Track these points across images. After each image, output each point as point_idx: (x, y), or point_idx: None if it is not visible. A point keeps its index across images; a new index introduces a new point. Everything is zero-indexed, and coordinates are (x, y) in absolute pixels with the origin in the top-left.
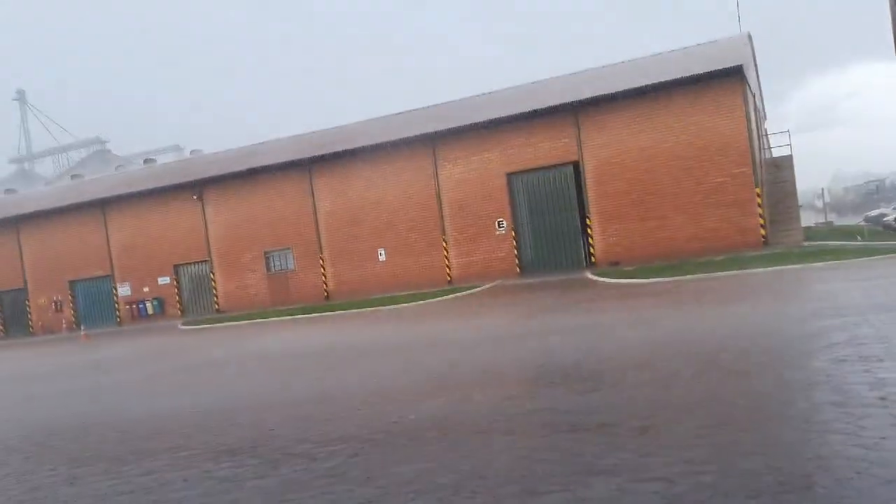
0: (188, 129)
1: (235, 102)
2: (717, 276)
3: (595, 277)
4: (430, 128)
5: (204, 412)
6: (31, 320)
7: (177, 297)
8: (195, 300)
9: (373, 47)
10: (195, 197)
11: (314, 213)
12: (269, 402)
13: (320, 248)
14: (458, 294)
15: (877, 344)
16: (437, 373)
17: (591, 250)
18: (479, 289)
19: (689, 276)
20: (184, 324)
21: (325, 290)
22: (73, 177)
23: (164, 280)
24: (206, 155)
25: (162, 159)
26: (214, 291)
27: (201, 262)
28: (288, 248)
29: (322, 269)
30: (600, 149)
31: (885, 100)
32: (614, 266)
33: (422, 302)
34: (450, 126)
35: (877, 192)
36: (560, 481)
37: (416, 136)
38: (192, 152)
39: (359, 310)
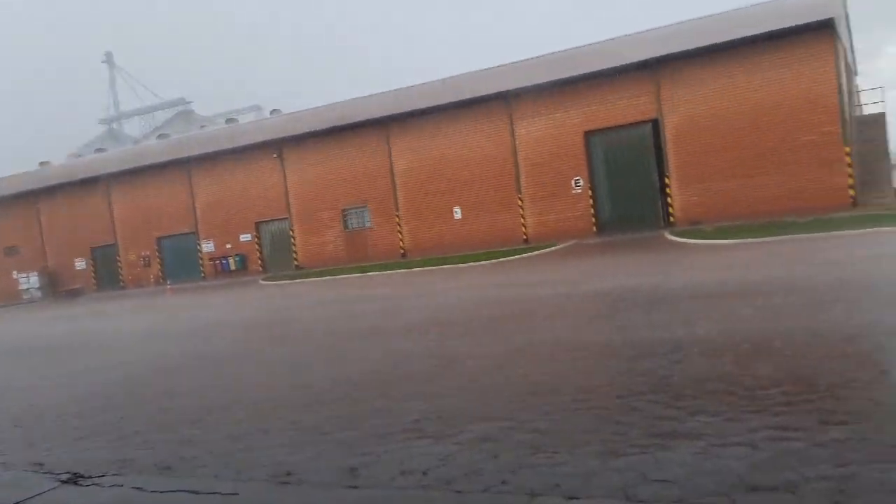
0: (269, 88)
1: (314, 64)
2: (805, 238)
3: (673, 238)
4: (507, 85)
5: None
6: (121, 274)
7: (258, 254)
8: (275, 257)
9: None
10: (275, 155)
11: (391, 171)
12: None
13: (396, 205)
14: (534, 252)
15: None
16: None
17: (671, 210)
18: (554, 248)
19: (773, 238)
20: (265, 279)
21: (402, 248)
22: (159, 136)
23: (245, 237)
24: (286, 114)
25: (243, 119)
26: (294, 248)
27: (281, 219)
28: (365, 206)
29: (398, 227)
30: (681, 106)
31: None
32: (695, 226)
33: (499, 260)
34: (526, 84)
35: None
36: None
37: (492, 94)
38: (272, 112)
39: (460, 264)
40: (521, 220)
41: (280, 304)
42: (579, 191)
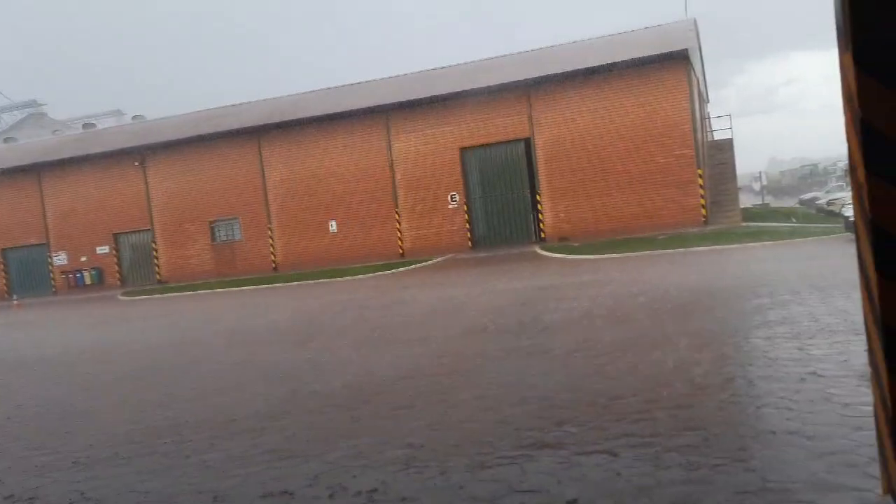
0: (130, 94)
1: (180, 69)
2: (661, 254)
3: (543, 252)
4: (385, 100)
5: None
6: None
7: (116, 267)
8: (136, 270)
9: (323, 18)
10: (137, 163)
11: (263, 183)
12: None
13: (269, 218)
14: (409, 267)
15: (808, 321)
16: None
17: (542, 225)
18: (430, 262)
19: (634, 253)
20: (123, 294)
21: (274, 262)
22: (5, 140)
23: (102, 249)
24: (150, 121)
25: (102, 124)
26: (156, 261)
27: (143, 230)
28: (235, 218)
29: (270, 240)
30: (551, 126)
31: (820, 88)
32: (563, 241)
33: (373, 274)
34: (404, 99)
35: (811, 176)
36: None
37: (369, 108)
38: (134, 118)
39: (315, 280)
40: (398, 234)
41: (128, 321)
42: (455, 206)
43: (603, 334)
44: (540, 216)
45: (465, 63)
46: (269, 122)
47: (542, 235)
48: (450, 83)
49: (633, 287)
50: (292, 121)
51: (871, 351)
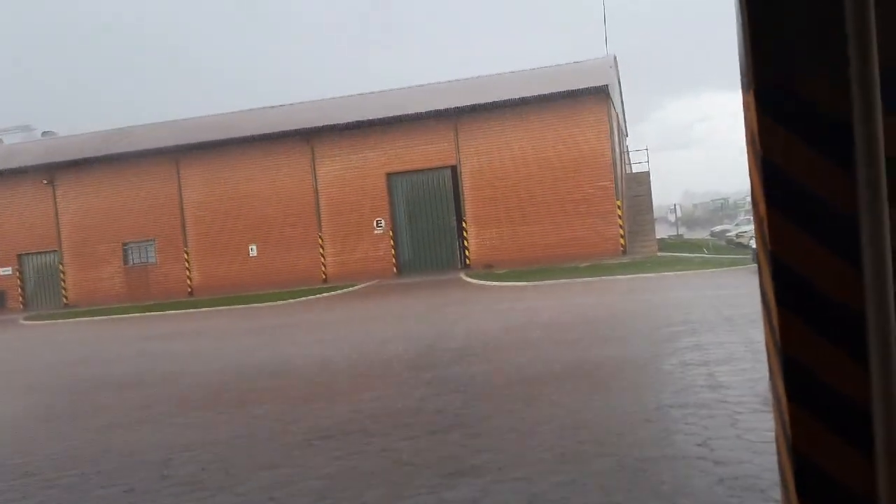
0: (41, 108)
1: (95, 85)
2: (582, 282)
3: (468, 279)
4: (309, 123)
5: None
6: None
7: (19, 290)
8: (40, 293)
9: (248, 36)
10: (45, 182)
11: (181, 204)
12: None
13: (185, 241)
14: (331, 293)
15: (717, 349)
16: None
17: (467, 252)
18: (353, 288)
19: (556, 281)
20: (27, 318)
21: (190, 286)
22: None
23: (5, 271)
24: (61, 137)
25: (10, 140)
26: (63, 284)
27: (49, 251)
28: (150, 240)
29: (187, 264)
30: (477, 155)
31: (731, 125)
32: (488, 269)
33: (290, 301)
34: (330, 122)
35: (721, 209)
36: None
37: (294, 130)
38: (44, 134)
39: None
40: (322, 259)
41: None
42: (381, 231)
43: (521, 360)
44: (465, 243)
45: (392, 89)
46: (189, 141)
47: (468, 262)
48: (377, 108)
49: (554, 314)
50: (213, 141)
51: (772, 378)
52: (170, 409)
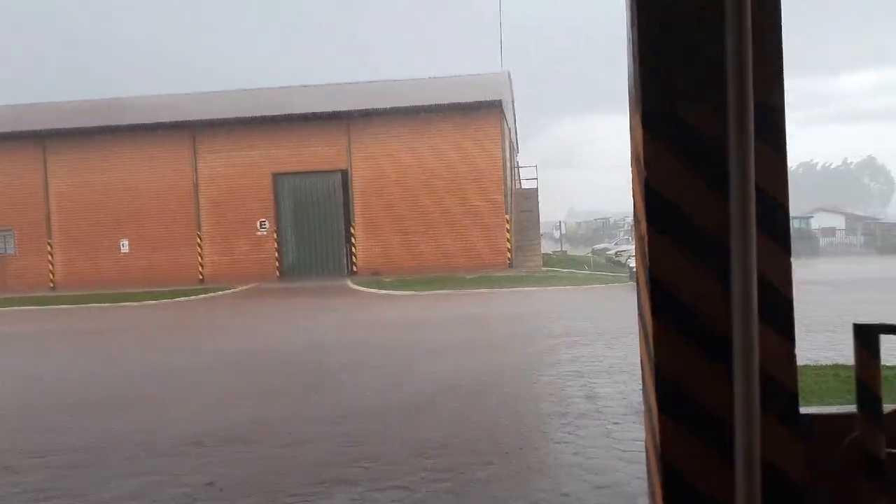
0: None
1: None
2: (468, 293)
3: (353, 286)
4: (191, 116)
5: None
6: None
7: None
8: None
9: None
10: None
11: (45, 193)
12: None
13: (49, 232)
14: (203, 295)
15: (594, 361)
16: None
17: (354, 259)
18: (230, 291)
19: (443, 291)
20: None
21: (52, 281)
22: None
23: None
24: None
25: None
26: None
27: None
28: (8, 230)
29: (50, 257)
30: (369, 160)
31: (615, 148)
32: (375, 276)
33: (154, 302)
34: (214, 117)
35: (603, 228)
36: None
37: (173, 122)
38: None
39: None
40: (199, 259)
41: None
42: (265, 233)
43: (405, 371)
44: (353, 249)
45: (284, 87)
46: (58, 126)
47: (355, 269)
48: (267, 105)
49: (437, 325)
50: (86, 128)
51: (645, 390)
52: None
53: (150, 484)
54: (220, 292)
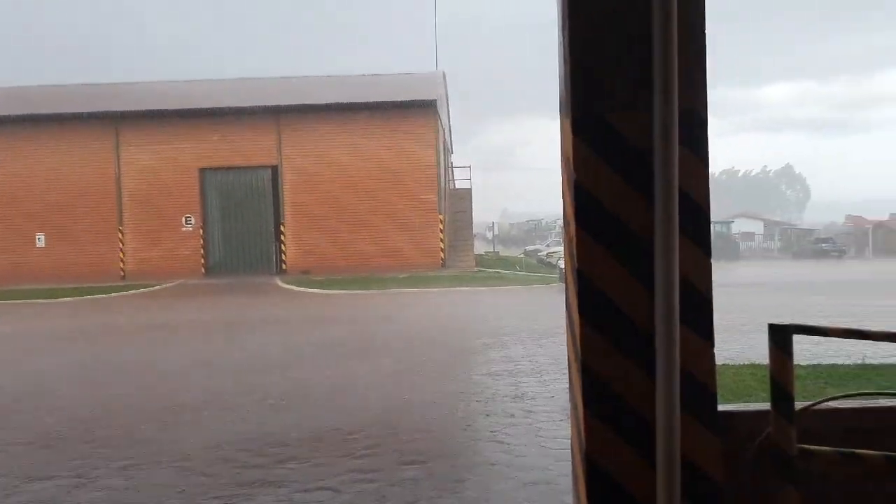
0: None
1: None
2: (399, 292)
3: (281, 284)
4: (113, 106)
5: None
6: None
7: None
8: None
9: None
10: None
11: None
12: None
13: None
14: (124, 292)
15: (525, 361)
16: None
17: (284, 257)
18: (152, 288)
19: (374, 291)
20: None
21: None
22: None
23: None
24: None
25: None
26: None
27: None
28: None
29: None
30: (300, 157)
31: (549, 150)
32: (305, 275)
33: (68, 300)
34: (138, 108)
35: (535, 230)
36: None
37: (94, 113)
38: None
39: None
40: (121, 254)
41: None
42: (190, 229)
43: (328, 370)
44: (283, 247)
45: (213, 79)
46: None
47: (284, 267)
48: (195, 97)
49: (368, 324)
50: (1, 116)
51: (571, 387)
52: None
53: None
54: (138, 290)
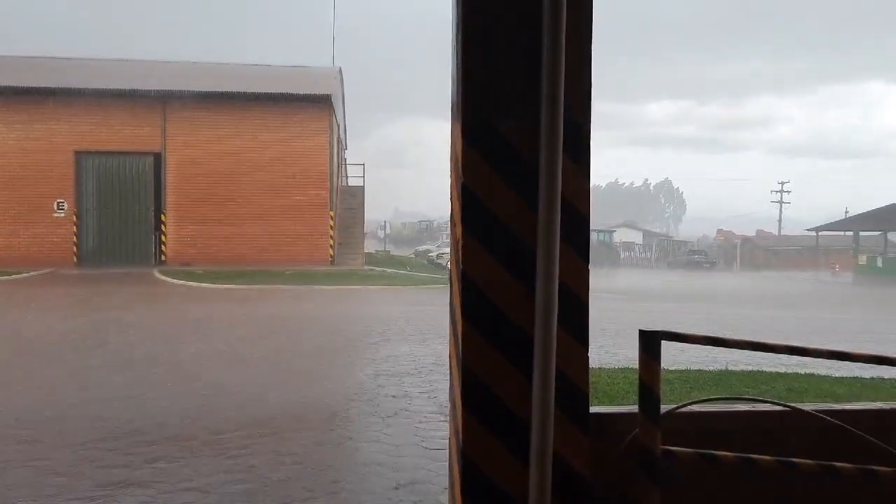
0: None
1: None
2: (285, 289)
3: (158, 276)
4: None
5: None
6: None
7: None
8: None
9: None
10: None
11: None
12: None
13: None
14: None
15: (408, 360)
16: None
17: (164, 248)
18: (13, 277)
19: (258, 286)
20: None
21: None
22: None
23: None
24: None
25: None
26: None
27: None
28: None
29: None
30: (186, 145)
31: (443, 151)
32: (185, 267)
33: None
34: (11, 84)
35: (427, 230)
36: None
37: None
38: None
39: None
40: None
41: None
42: (62, 215)
43: (208, 368)
44: (163, 238)
45: (96, 59)
46: None
47: (164, 258)
48: (74, 76)
49: (246, 321)
50: None
51: (451, 387)
52: None
53: None
54: (9, 277)
